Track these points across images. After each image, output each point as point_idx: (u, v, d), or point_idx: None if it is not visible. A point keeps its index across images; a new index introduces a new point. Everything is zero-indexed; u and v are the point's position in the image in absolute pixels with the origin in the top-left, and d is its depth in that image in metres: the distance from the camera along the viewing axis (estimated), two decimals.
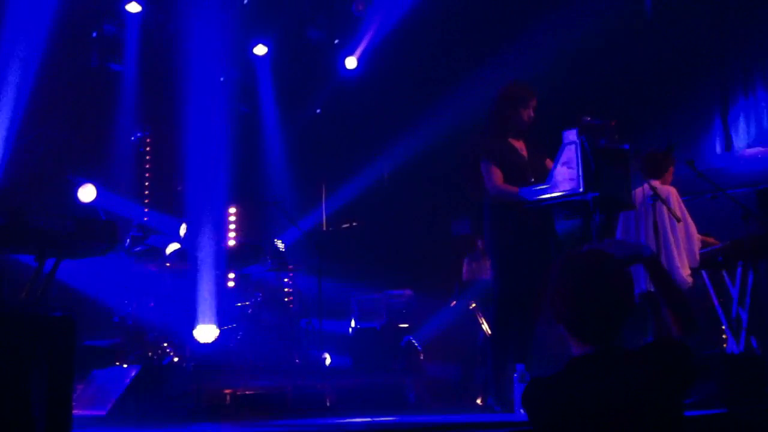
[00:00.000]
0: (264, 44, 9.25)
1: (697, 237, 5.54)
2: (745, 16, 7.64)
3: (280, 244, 7.78)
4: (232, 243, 8.14)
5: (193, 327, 6.37)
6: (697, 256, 5.53)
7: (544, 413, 2.06)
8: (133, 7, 8.04)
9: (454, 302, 7.25)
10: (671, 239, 5.41)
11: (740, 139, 7.70)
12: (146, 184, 8.53)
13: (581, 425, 2.00)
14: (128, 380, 5.12)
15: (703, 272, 5.93)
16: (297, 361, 6.81)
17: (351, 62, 9.53)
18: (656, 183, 5.58)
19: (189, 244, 7.08)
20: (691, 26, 7.67)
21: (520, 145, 5.03)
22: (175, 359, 6.19)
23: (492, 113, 5.02)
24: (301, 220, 8.73)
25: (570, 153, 4.56)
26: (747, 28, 7.67)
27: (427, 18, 8.76)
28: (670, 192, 5.55)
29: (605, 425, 1.98)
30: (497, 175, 4.83)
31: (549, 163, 5.03)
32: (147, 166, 8.59)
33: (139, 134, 7.23)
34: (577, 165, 4.54)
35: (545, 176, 4.93)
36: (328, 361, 7.32)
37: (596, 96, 7.59)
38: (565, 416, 2.02)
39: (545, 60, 7.84)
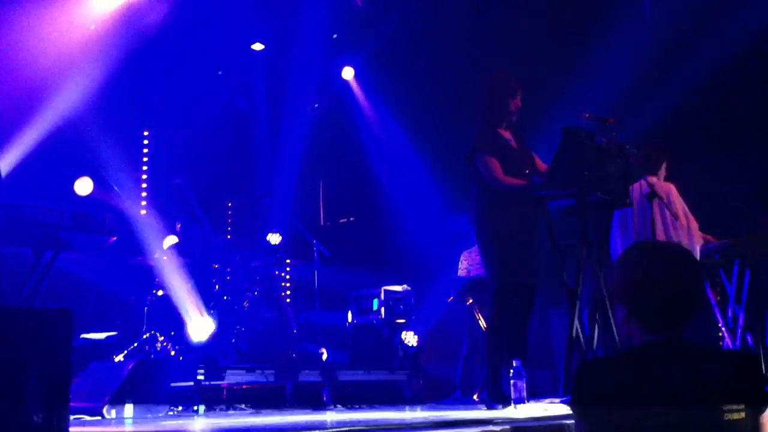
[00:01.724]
0: (261, 41, 9.25)
1: (698, 234, 5.54)
2: None
3: (276, 238, 7.79)
4: (228, 237, 8.14)
5: (189, 321, 6.37)
6: (697, 254, 5.54)
7: (605, 391, 2.03)
8: None
9: (452, 298, 7.25)
10: (670, 237, 5.42)
11: None
12: (144, 177, 8.52)
13: (641, 409, 1.98)
14: (125, 373, 5.12)
15: None
16: (294, 355, 6.81)
17: (348, 73, 9.60)
18: (653, 179, 5.57)
19: (186, 237, 7.08)
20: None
21: (508, 135, 5.01)
22: (172, 353, 6.19)
23: (479, 105, 5.01)
24: (298, 216, 8.73)
25: (569, 149, 4.56)
26: None
27: (427, 14, 8.75)
28: (670, 189, 5.55)
29: (666, 413, 1.97)
30: (497, 167, 4.78)
31: (537, 159, 5.03)
32: (145, 159, 8.58)
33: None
34: (576, 161, 4.53)
35: (534, 167, 4.93)
36: (324, 356, 7.31)
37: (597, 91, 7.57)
38: (627, 397, 2.00)
39: (544, 57, 7.84)
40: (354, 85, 9.75)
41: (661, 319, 2.12)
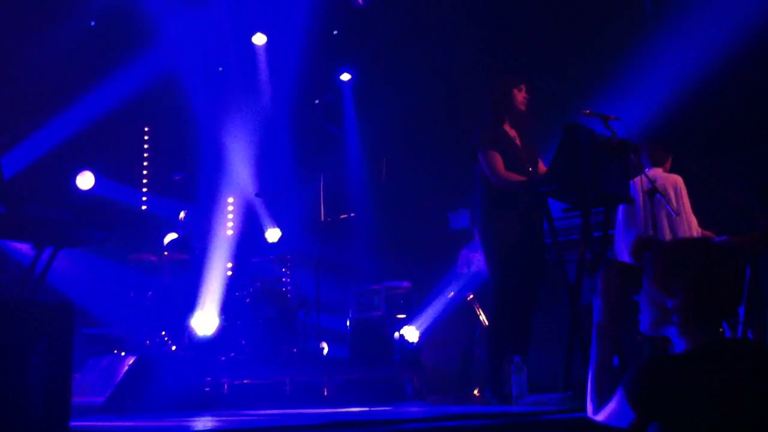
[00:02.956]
0: (263, 33, 9.24)
1: (697, 231, 5.53)
2: None
3: (275, 234, 7.79)
4: (230, 233, 8.15)
5: (191, 316, 6.37)
6: None
7: (669, 392, 2.00)
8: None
9: (452, 294, 7.26)
10: (669, 233, 5.42)
11: None
12: (144, 172, 8.53)
13: (709, 408, 1.96)
14: (126, 368, 5.13)
15: None
16: (294, 350, 6.82)
17: (345, 77, 9.72)
18: (659, 171, 5.58)
19: (188, 233, 7.08)
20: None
21: (514, 134, 5.02)
22: (173, 348, 6.21)
23: (487, 102, 5.04)
24: (299, 211, 8.73)
25: (569, 146, 4.56)
26: None
27: (427, 13, 8.75)
28: (677, 182, 5.54)
29: (736, 413, 1.95)
30: (499, 163, 4.79)
31: (540, 163, 5.04)
32: (146, 155, 8.59)
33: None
34: (576, 158, 4.53)
35: (537, 167, 4.95)
36: (325, 350, 7.33)
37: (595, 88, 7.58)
38: (695, 397, 1.97)
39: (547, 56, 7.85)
40: (352, 86, 9.83)
41: (718, 313, 2.12)
